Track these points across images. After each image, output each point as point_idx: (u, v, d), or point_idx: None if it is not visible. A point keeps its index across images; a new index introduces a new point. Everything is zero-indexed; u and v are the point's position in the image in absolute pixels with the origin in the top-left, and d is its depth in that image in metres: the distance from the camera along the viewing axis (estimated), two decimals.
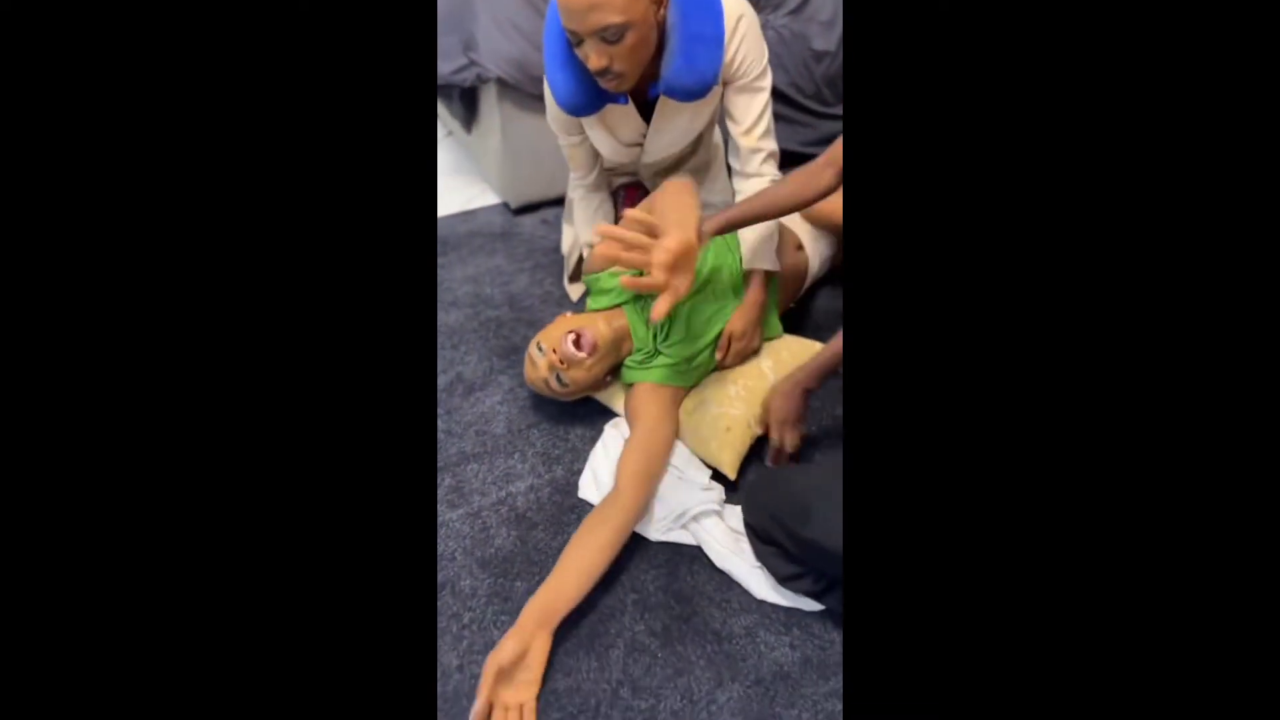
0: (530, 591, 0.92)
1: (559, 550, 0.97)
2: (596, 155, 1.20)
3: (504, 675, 0.79)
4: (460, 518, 1.02)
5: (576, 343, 1.03)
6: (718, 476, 1.05)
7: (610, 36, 0.87)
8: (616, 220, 1.29)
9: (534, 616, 0.83)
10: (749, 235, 1.11)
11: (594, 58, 0.89)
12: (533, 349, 1.07)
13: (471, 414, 1.18)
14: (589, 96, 1.01)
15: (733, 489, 1.04)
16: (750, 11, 0.99)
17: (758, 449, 1.09)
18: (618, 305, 1.14)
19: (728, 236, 1.15)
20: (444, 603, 0.91)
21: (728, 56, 0.97)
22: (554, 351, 1.04)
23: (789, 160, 1.74)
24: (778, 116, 1.72)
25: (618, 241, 0.76)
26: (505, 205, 1.71)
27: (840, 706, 0.81)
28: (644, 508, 0.95)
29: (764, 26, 1.63)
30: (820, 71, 1.72)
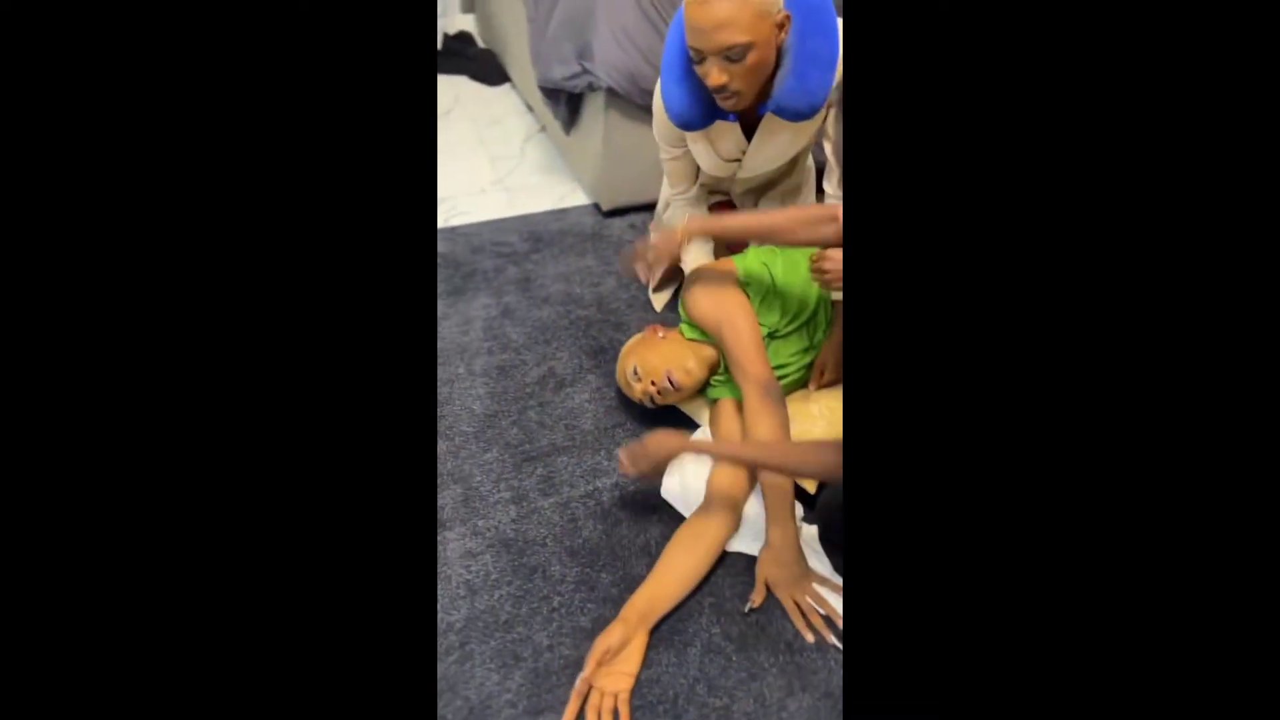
0: (615, 584, 0.99)
1: (642, 547, 1.03)
2: (696, 169, 1.24)
3: (606, 659, 0.86)
4: (551, 506, 1.09)
5: (671, 381, 1.09)
6: (799, 494, 1.10)
7: (734, 55, 0.91)
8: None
9: (638, 611, 0.90)
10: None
11: (715, 74, 0.93)
12: (628, 370, 1.12)
13: (562, 409, 1.25)
14: (702, 112, 1.05)
15: (811, 505, 1.08)
16: None
17: None
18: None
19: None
20: (535, 585, 0.98)
21: (838, 78, 1.00)
22: (652, 384, 1.10)
23: None
24: None
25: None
26: (596, 206, 1.77)
27: None
28: (736, 525, 1.01)
29: None
30: None
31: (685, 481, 1.10)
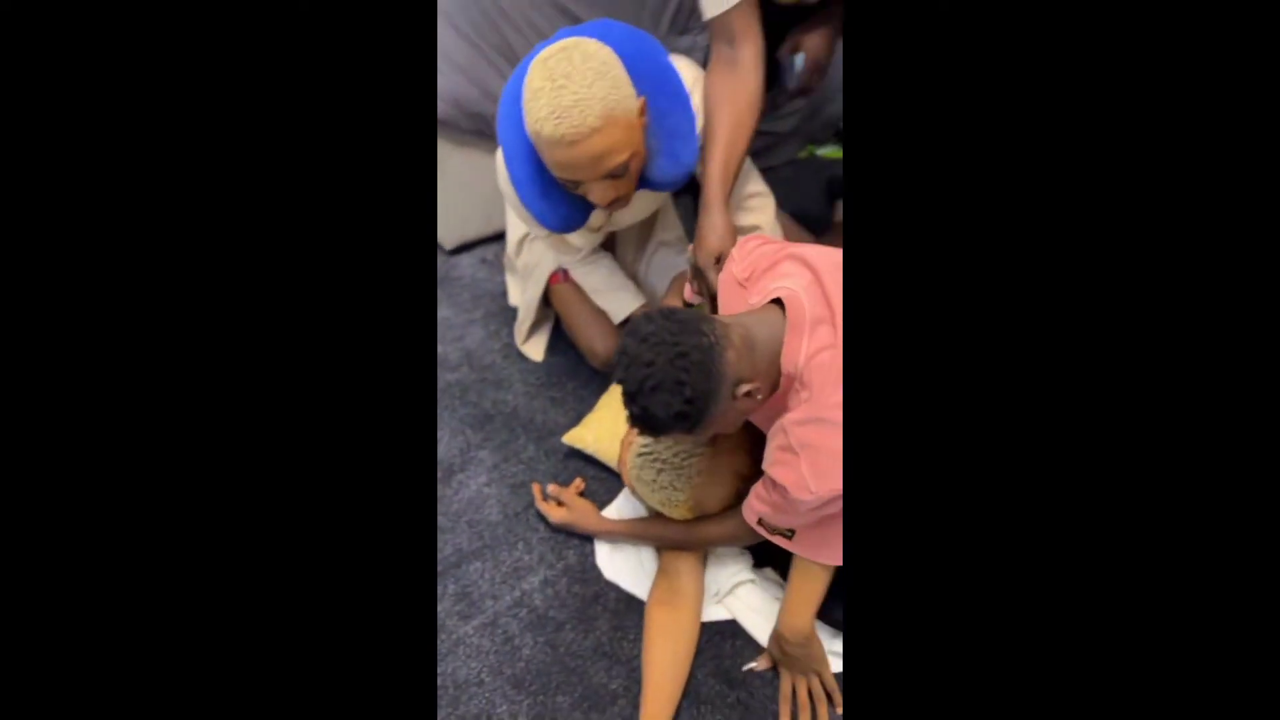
0: (577, 705, 0.85)
1: (595, 648, 0.91)
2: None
3: None
4: (476, 630, 0.92)
5: None
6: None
7: (618, 173, 0.83)
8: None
9: None
10: None
11: (600, 194, 0.84)
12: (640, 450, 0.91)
13: (458, 502, 1.07)
14: (580, 213, 0.95)
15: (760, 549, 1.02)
16: (697, 72, 0.97)
17: None
18: None
19: None
20: None
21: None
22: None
23: None
24: None
25: None
26: (439, 247, 1.56)
27: None
28: (702, 593, 0.92)
29: (693, 48, 1.60)
30: None
31: (639, 554, 0.99)
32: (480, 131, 1.38)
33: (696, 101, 0.93)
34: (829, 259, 0.78)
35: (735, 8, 0.94)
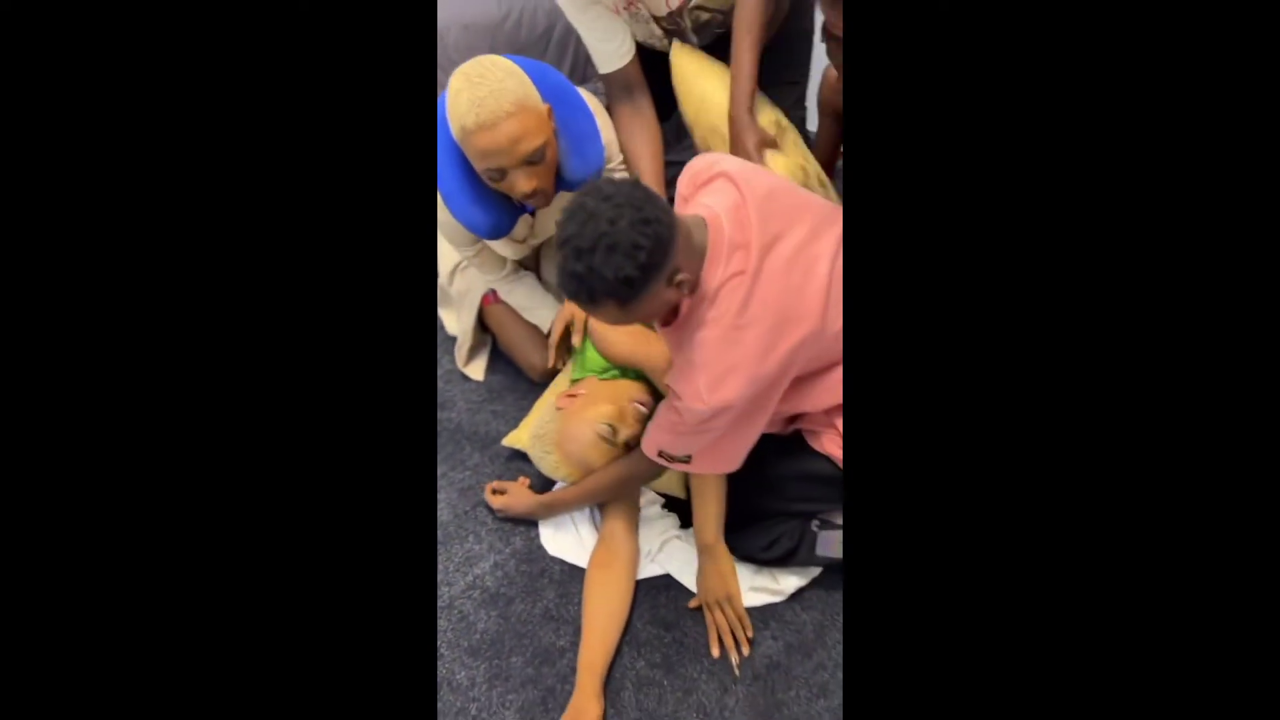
0: (529, 663, 0.95)
1: (544, 614, 1.00)
2: (500, 256, 1.26)
3: None
4: (436, 612, 1.01)
5: (639, 403, 1.03)
6: (671, 505, 1.14)
7: (535, 158, 0.95)
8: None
9: (592, 673, 0.89)
10: None
11: (523, 183, 0.95)
12: (602, 429, 0.99)
13: None
14: (507, 218, 1.07)
15: (680, 509, 1.14)
16: (600, 107, 1.12)
17: None
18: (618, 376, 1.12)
19: None
20: (445, 701, 0.91)
21: (604, 142, 1.10)
22: (640, 405, 1.02)
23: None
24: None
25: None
26: None
27: (827, 677, 0.93)
28: (637, 553, 1.03)
29: (595, 93, 1.79)
30: None
31: (577, 527, 1.10)
32: None
33: (602, 122, 1.08)
34: (760, 182, 0.81)
35: (629, 63, 1.13)
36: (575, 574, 1.05)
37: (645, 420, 1.01)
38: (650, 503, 1.13)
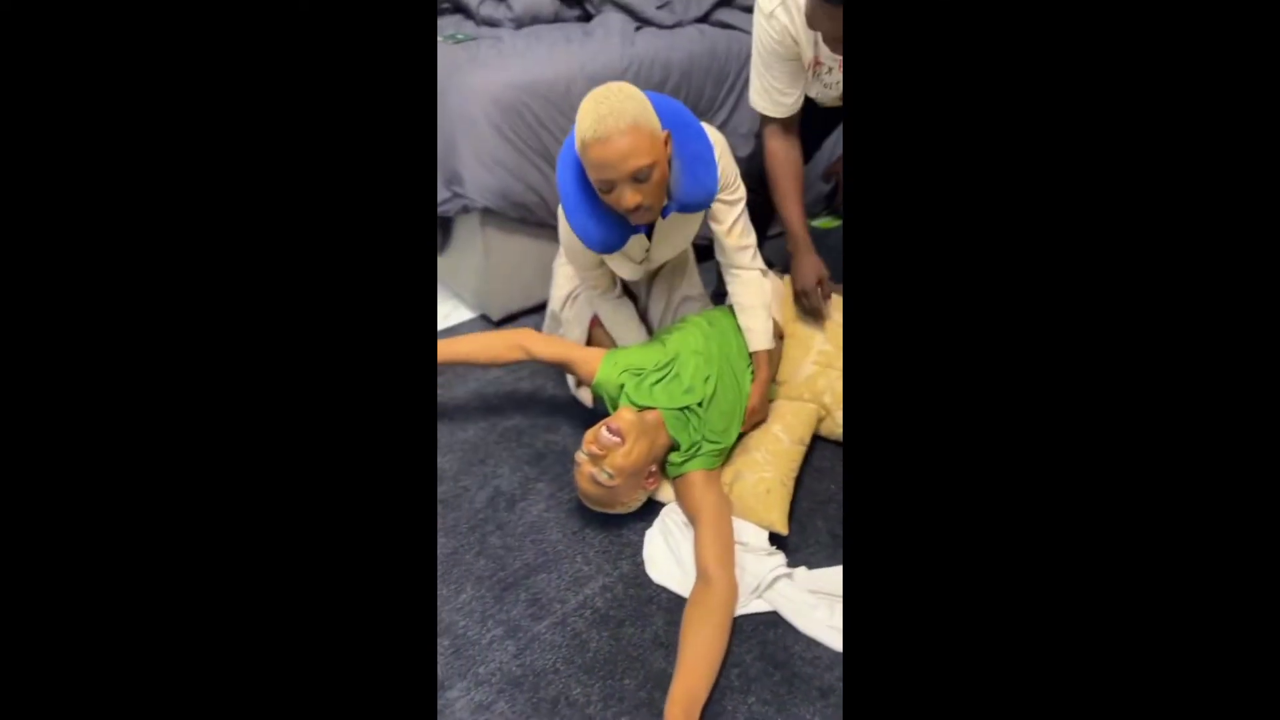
0: (640, 686, 0.96)
1: (653, 640, 1.02)
2: (612, 274, 1.35)
3: None
4: (549, 629, 1.04)
5: (609, 429, 1.11)
6: (773, 540, 1.16)
7: (642, 176, 1.02)
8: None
9: (682, 709, 0.88)
10: (754, 324, 1.28)
11: (629, 197, 1.04)
12: (578, 456, 1.14)
13: (522, 525, 1.21)
14: (618, 235, 1.15)
15: (786, 547, 1.15)
16: (721, 137, 1.20)
17: (795, 503, 1.22)
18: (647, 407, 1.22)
19: (727, 323, 1.34)
20: (563, 716, 0.93)
21: (719, 171, 1.15)
22: (593, 443, 1.11)
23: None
24: None
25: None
26: (484, 318, 1.78)
27: None
28: (736, 588, 1.04)
29: None
30: (745, 173, 2.00)
31: (680, 559, 1.12)
32: (524, 219, 1.63)
33: (720, 151, 1.17)
34: None
35: (796, 113, 1.34)
36: (682, 603, 1.07)
37: (609, 446, 1.11)
38: (756, 534, 1.14)
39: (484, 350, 1.33)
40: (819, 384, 1.37)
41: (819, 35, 1.15)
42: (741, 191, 1.23)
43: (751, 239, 1.27)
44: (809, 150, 1.44)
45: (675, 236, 1.28)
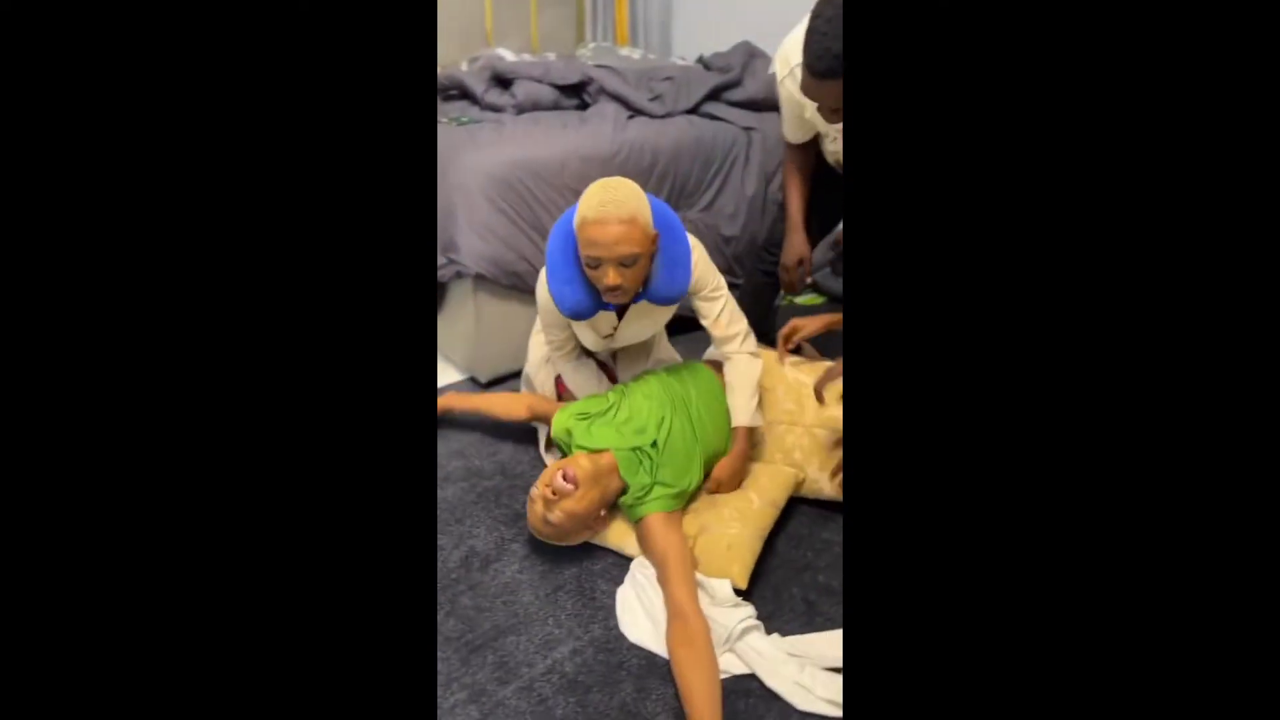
0: None
1: (621, 706, 1.00)
2: (575, 340, 1.43)
3: None
4: (514, 694, 1.01)
5: (564, 476, 1.17)
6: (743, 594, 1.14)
7: (628, 262, 1.15)
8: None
9: None
10: (738, 401, 1.34)
11: (611, 277, 1.15)
12: (532, 493, 1.20)
13: (495, 586, 1.20)
14: (590, 305, 1.25)
15: (759, 614, 1.13)
16: (699, 245, 1.31)
17: (764, 567, 1.21)
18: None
19: (689, 371, 1.41)
20: None
21: (694, 277, 1.28)
22: (546, 486, 1.16)
23: (692, 325, 2.06)
24: None
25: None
26: (473, 380, 1.81)
27: None
28: (708, 625, 1.05)
29: (684, 220, 1.99)
30: (730, 252, 2.10)
31: (653, 615, 1.11)
32: (515, 286, 1.70)
33: (697, 256, 1.28)
34: None
35: (810, 141, 1.51)
36: (652, 669, 1.05)
37: (564, 492, 1.16)
38: (720, 583, 1.14)
39: (499, 406, 1.53)
40: (787, 441, 1.39)
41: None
42: (723, 289, 1.32)
43: (740, 325, 1.34)
44: (831, 219, 1.63)
45: (643, 322, 1.37)
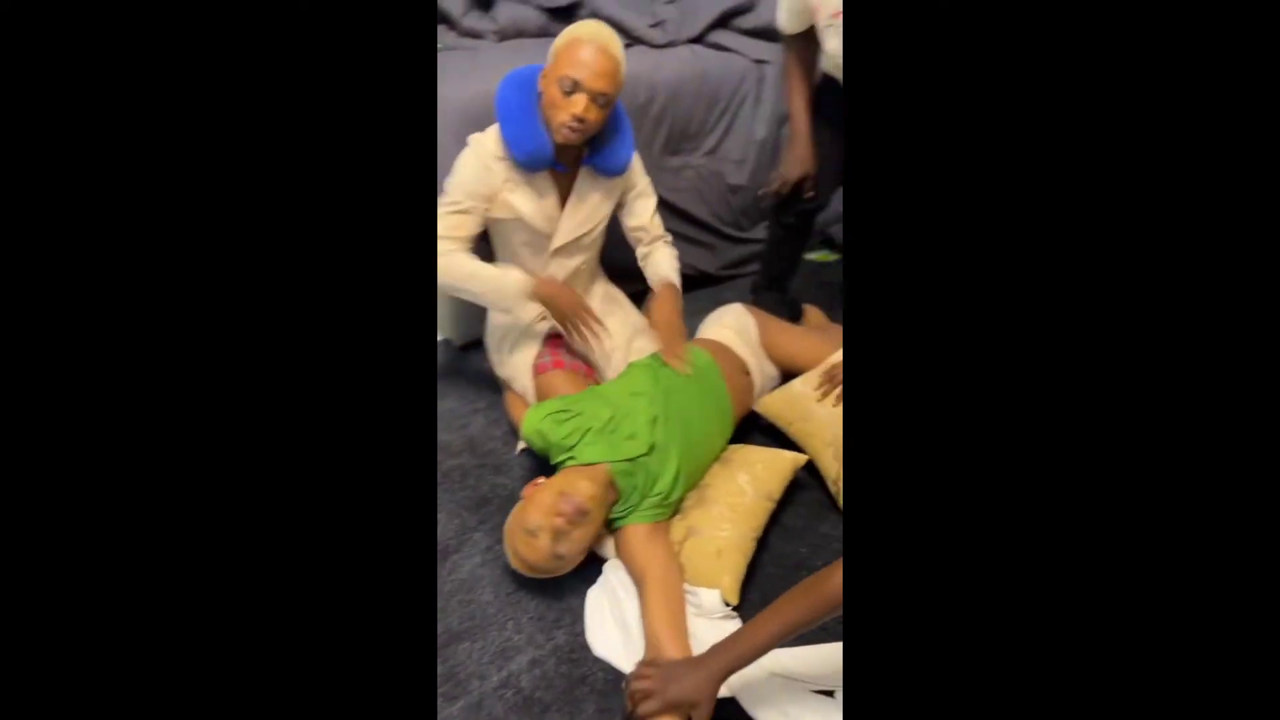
0: None
1: None
2: (475, 231, 1.27)
3: None
4: (461, 712, 0.90)
5: (574, 506, 1.00)
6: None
7: (599, 101, 1.14)
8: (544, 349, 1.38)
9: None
10: (661, 267, 1.37)
11: (582, 106, 1.12)
12: (518, 532, 1.01)
13: (451, 583, 1.08)
14: (548, 152, 1.20)
15: (737, 613, 1.01)
16: (638, 156, 1.36)
17: (754, 566, 1.08)
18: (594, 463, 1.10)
19: (710, 366, 1.26)
20: None
21: (630, 165, 1.31)
22: (558, 516, 0.99)
23: (709, 280, 1.87)
24: (699, 242, 1.86)
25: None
26: (448, 342, 1.66)
27: None
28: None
29: (685, 166, 1.79)
30: (736, 203, 1.90)
31: (626, 626, 0.99)
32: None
33: (641, 182, 1.36)
34: None
35: (806, 32, 1.37)
36: (619, 686, 0.94)
37: (579, 522, 0.99)
38: (708, 592, 1.02)
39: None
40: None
41: None
42: (653, 191, 1.38)
43: (661, 229, 1.41)
44: (833, 181, 1.48)
45: (585, 208, 1.31)
